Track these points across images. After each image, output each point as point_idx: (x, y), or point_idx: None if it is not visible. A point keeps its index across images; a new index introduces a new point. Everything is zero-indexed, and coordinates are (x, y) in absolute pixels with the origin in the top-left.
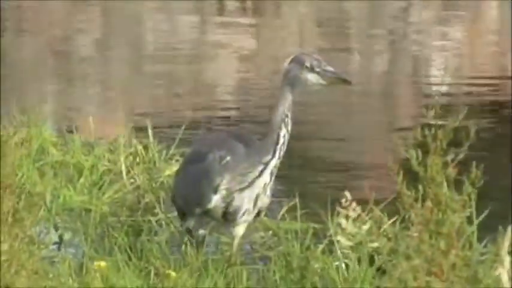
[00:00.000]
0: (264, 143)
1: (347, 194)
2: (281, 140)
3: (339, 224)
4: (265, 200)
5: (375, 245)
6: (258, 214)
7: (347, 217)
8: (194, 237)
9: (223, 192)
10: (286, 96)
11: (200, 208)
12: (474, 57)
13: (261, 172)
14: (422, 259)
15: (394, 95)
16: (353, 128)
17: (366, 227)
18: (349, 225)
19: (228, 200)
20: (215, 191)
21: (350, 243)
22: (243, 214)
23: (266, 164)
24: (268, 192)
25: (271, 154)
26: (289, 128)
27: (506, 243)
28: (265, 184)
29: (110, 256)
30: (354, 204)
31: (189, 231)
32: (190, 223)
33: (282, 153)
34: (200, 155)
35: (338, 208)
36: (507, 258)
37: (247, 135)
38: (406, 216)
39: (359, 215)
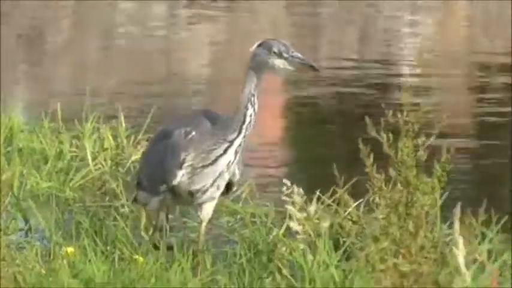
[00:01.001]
0: (231, 122)
1: (286, 181)
2: (247, 119)
3: (288, 210)
4: (234, 177)
5: (326, 225)
6: (228, 191)
7: (293, 203)
8: (157, 221)
9: (188, 167)
10: (252, 79)
11: (166, 185)
12: (443, 43)
13: (226, 150)
14: (390, 241)
15: (364, 83)
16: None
17: (312, 208)
18: (296, 210)
19: (191, 176)
20: (180, 166)
21: (300, 228)
22: (206, 191)
23: (231, 142)
24: (237, 170)
25: (236, 132)
26: (256, 108)
27: (457, 225)
28: (229, 162)
29: (76, 242)
30: (296, 189)
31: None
32: (155, 205)
33: (248, 132)
34: (166, 132)
35: (282, 197)
36: (461, 240)
37: (215, 113)
38: (371, 199)
39: (305, 200)
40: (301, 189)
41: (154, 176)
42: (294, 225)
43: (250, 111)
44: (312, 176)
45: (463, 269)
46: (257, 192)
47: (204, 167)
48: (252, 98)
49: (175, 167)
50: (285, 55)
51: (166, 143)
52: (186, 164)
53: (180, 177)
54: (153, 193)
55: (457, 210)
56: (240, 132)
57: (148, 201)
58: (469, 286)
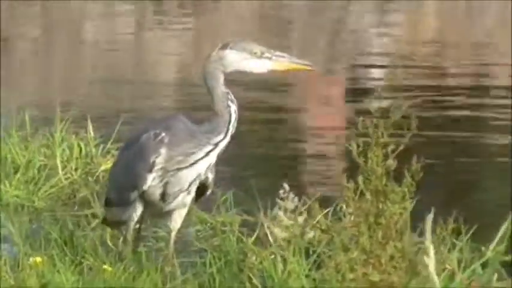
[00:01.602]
0: (215, 124)
1: (285, 185)
2: (233, 116)
3: (275, 216)
4: (207, 180)
5: (311, 235)
6: (202, 194)
7: (285, 209)
8: (128, 232)
9: (159, 171)
10: (219, 78)
11: (136, 191)
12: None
13: (208, 153)
14: (360, 251)
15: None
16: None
17: (301, 218)
18: (285, 217)
19: (164, 179)
20: (150, 170)
21: (285, 235)
22: (177, 196)
23: (216, 145)
24: (210, 173)
25: (223, 134)
26: (236, 104)
27: (428, 233)
28: (209, 165)
29: (45, 252)
30: (291, 195)
31: (122, 225)
32: (126, 214)
33: (233, 130)
34: (135, 137)
35: (276, 199)
36: (431, 248)
37: (187, 117)
38: (338, 208)
39: (296, 207)
40: (296, 197)
41: (125, 184)
42: (279, 232)
43: (233, 107)
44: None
45: (434, 277)
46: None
47: (179, 169)
48: (229, 95)
49: (145, 171)
50: (268, 55)
51: (135, 148)
52: (156, 167)
53: (151, 181)
54: (124, 204)
55: (429, 219)
56: (227, 133)
57: (119, 215)
58: None
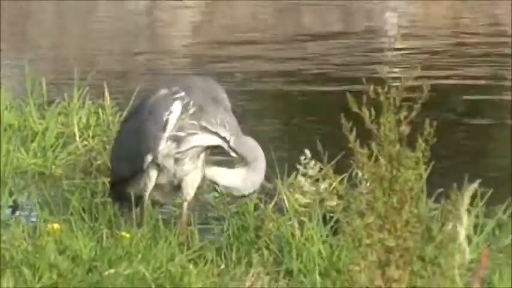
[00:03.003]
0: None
1: (307, 152)
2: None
3: (297, 183)
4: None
5: (333, 203)
6: None
7: (306, 175)
8: (144, 200)
9: (177, 133)
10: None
11: (151, 154)
12: (427, 20)
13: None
14: (376, 216)
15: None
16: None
17: (324, 186)
18: (308, 183)
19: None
20: (164, 128)
21: (307, 201)
22: (193, 156)
23: (223, 139)
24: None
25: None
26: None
27: (466, 201)
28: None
29: (63, 218)
30: (312, 162)
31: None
32: (139, 184)
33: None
34: (148, 95)
35: (297, 166)
36: (465, 216)
37: (216, 85)
38: (353, 174)
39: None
40: (317, 164)
41: (137, 148)
42: (302, 199)
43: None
44: (296, 152)
45: (463, 244)
46: None
47: (193, 134)
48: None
49: (160, 130)
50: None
51: (149, 103)
52: (170, 125)
53: (165, 141)
54: (136, 172)
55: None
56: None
57: (131, 188)
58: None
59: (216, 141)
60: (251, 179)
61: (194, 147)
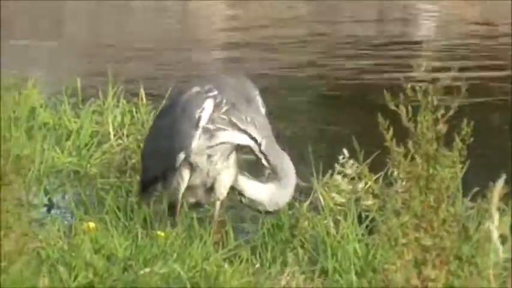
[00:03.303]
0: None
1: (345, 151)
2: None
3: (333, 181)
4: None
5: (369, 202)
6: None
7: (343, 174)
8: (177, 199)
9: (206, 125)
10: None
11: (183, 152)
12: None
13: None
14: (412, 215)
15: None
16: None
17: (361, 185)
18: (345, 182)
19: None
20: (197, 126)
21: (343, 200)
22: (221, 156)
23: (254, 140)
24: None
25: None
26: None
27: (496, 199)
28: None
29: (98, 217)
30: (350, 162)
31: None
32: (172, 183)
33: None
34: (178, 96)
35: (334, 165)
36: (496, 214)
37: (250, 86)
38: (389, 173)
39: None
40: (355, 164)
41: (169, 146)
42: (338, 197)
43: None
44: (331, 151)
45: (497, 244)
46: None
47: (222, 129)
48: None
49: (192, 127)
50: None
51: (179, 106)
52: (202, 123)
53: (198, 138)
54: (168, 171)
55: (499, 184)
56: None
57: (164, 187)
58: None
59: (246, 140)
60: (279, 197)
61: (223, 143)
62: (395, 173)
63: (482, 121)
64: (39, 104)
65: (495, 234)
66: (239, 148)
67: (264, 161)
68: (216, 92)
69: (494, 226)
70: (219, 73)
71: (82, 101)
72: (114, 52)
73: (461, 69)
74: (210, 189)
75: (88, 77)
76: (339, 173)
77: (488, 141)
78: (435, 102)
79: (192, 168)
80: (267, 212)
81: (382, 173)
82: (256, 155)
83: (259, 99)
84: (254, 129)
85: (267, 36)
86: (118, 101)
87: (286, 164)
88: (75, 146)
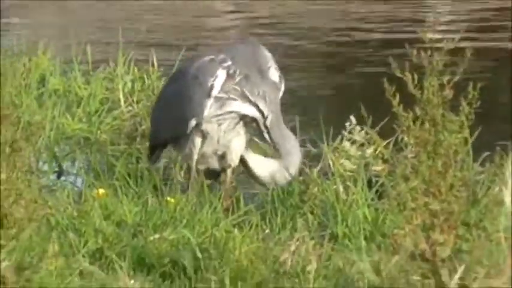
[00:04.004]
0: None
1: (352, 118)
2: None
3: (342, 148)
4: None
5: (379, 168)
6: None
7: (352, 141)
8: (191, 166)
9: (221, 94)
10: None
11: (196, 118)
12: None
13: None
14: (420, 180)
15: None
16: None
17: (370, 151)
18: (353, 148)
19: (219, 103)
20: (209, 94)
21: (353, 167)
22: (229, 125)
23: (261, 113)
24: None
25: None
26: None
27: (510, 164)
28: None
29: (108, 184)
30: (358, 128)
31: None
32: (183, 149)
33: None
34: (195, 58)
35: (343, 132)
36: (510, 180)
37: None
38: (399, 139)
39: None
40: (363, 130)
41: (180, 113)
42: (348, 164)
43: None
44: (340, 117)
45: (509, 208)
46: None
47: (235, 99)
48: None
49: (204, 95)
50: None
51: (194, 68)
52: (214, 90)
53: (209, 107)
54: (179, 135)
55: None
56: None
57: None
58: None
59: (253, 112)
60: (281, 175)
61: (231, 112)
62: (405, 138)
63: (493, 84)
64: (49, 71)
65: (508, 199)
66: (245, 119)
67: (266, 135)
68: (230, 63)
69: (508, 190)
70: (232, 40)
71: (93, 68)
72: (125, 24)
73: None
74: (222, 157)
75: (99, 44)
76: (347, 139)
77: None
78: (440, 67)
79: (204, 135)
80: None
81: (392, 139)
82: (260, 129)
83: (272, 67)
84: (264, 103)
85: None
86: (129, 68)
87: (290, 145)
88: (85, 113)
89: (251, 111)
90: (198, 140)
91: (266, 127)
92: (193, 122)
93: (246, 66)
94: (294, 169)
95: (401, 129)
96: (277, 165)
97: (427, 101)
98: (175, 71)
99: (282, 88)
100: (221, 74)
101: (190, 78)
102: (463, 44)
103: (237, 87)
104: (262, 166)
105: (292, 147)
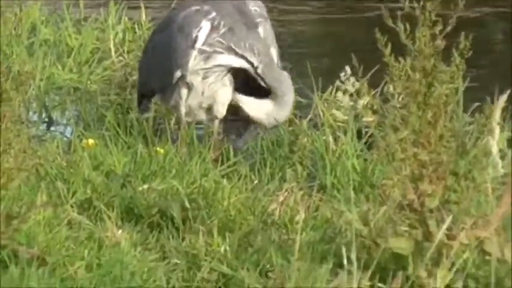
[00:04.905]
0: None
1: (347, 68)
2: None
3: (335, 98)
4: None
5: (369, 119)
6: None
7: (345, 91)
8: (180, 116)
9: (204, 46)
10: None
11: (181, 69)
12: None
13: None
14: (410, 131)
15: None
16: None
17: (362, 102)
18: (346, 99)
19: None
20: (193, 45)
21: (344, 117)
22: (216, 78)
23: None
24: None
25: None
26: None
27: (497, 114)
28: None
29: (98, 134)
30: (352, 79)
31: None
32: (170, 100)
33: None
34: (181, 7)
35: (337, 82)
36: (497, 129)
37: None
38: (385, 89)
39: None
40: (356, 81)
41: (166, 64)
42: (339, 114)
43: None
44: (330, 67)
45: (497, 159)
46: None
47: (221, 52)
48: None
49: (189, 46)
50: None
51: (179, 18)
52: (199, 42)
53: (193, 58)
54: (165, 85)
55: (501, 99)
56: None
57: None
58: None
59: (241, 63)
60: (276, 114)
61: (219, 66)
62: (391, 88)
63: (485, 34)
64: (40, 20)
65: (495, 149)
66: (233, 71)
67: (260, 82)
68: (214, 14)
69: (494, 141)
70: None
71: (84, 18)
72: None
73: None
74: (208, 109)
75: None
76: (339, 89)
77: (491, 55)
78: (433, 17)
79: (189, 87)
80: (266, 128)
81: (378, 89)
82: (252, 77)
83: (263, 23)
84: (252, 54)
85: None
86: (120, 18)
87: (284, 86)
88: (76, 63)
89: (239, 63)
90: (184, 92)
91: (258, 75)
92: (178, 73)
93: (231, 18)
94: (289, 109)
95: (390, 78)
96: (272, 106)
97: (419, 51)
98: (163, 19)
99: (275, 46)
100: (205, 25)
101: (176, 29)
102: None
103: (222, 39)
104: (257, 108)
105: (287, 88)
